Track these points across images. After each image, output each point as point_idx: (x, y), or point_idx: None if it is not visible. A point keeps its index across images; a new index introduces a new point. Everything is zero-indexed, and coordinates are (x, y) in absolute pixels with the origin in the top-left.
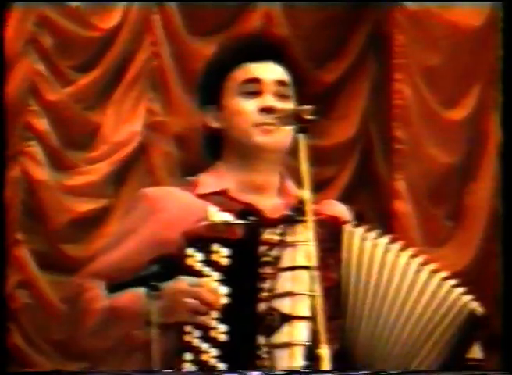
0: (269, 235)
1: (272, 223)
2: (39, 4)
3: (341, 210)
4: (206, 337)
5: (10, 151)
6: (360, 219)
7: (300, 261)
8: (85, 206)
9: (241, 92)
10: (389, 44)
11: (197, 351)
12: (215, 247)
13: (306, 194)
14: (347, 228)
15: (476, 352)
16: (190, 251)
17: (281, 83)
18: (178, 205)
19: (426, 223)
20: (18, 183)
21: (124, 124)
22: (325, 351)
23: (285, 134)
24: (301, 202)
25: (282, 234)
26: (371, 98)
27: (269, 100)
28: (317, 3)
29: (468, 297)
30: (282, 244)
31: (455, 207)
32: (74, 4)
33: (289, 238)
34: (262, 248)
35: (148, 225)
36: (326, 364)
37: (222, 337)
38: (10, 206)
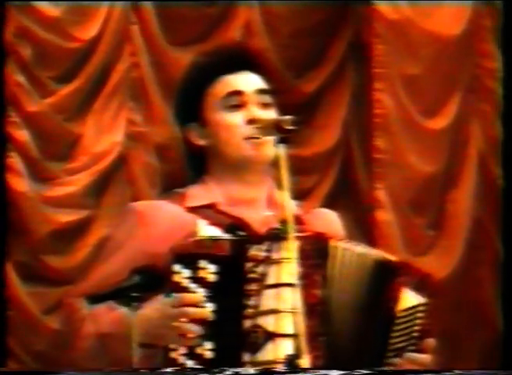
0: (256, 251)
1: (259, 239)
2: (18, 14)
3: (329, 218)
4: (191, 354)
5: None
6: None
7: (285, 278)
8: (66, 217)
9: (224, 106)
10: (369, 53)
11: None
12: (203, 263)
13: (287, 203)
14: (333, 243)
15: (409, 300)
16: (176, 267)
17: (262, 91)
18: (166, 219)
19: (408, 232)
20: None
21: (104, 135)
22: (305, 362)
23: (272, 146)
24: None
25: (267, 251)
26: (351, 107)
27: (254, 111)
28: (296, 11)
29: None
30: (267, 260)
31: (436, 216)
32: (53, 12)
33: (274, 255)
34: (249, 265)
35: (136, 239)
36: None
37: (208, 354)
38: None
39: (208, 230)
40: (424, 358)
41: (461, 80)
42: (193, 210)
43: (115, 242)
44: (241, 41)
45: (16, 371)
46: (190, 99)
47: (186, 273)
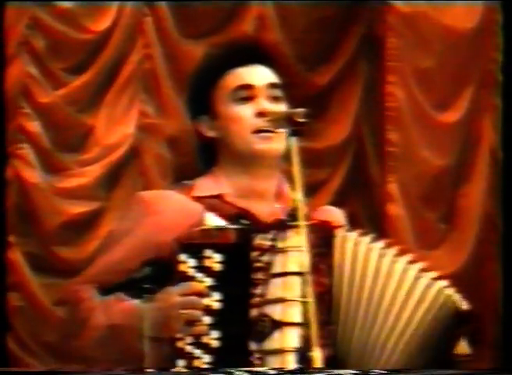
0: (261, 240)
1: (265, 228)
2: (31, 6)
3: (336, 215)
4: (198, 344)
5: (2, 153)
6: (352, 222)
7: (291, 267)
8: (77, 209)
9: (234, 99)
10: (381, 46)
11: (189, 358)
12: (208, 252)
13: (298, 196)
14: (340, 233)
15: (463, 348)
16: (182, 257)
17: (272, 85)
18: (173, 208)
19: (419, 226)
20: (10, 185)
21: (116, 126)
22: (317, 355)
23: (282, 139)
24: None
25: (273, 240)
26: (363, 100)
27: (264, 104)
28: (309, 5)
29: (455, 295)
30: (273, 249)
31: (448, 209)
32: (66, 4)
33: (280, 244)
34: (254, 254)
35: (142, 228)
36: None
37: (215, 343)
38: (2, 209)
39: (214, 220)
40: None
41: (474, 74)
42: (201, 200)
43: (122, 230)
44: (253, 34)
45: (16, 371)
46: (202, 92)
47: (192, 262)
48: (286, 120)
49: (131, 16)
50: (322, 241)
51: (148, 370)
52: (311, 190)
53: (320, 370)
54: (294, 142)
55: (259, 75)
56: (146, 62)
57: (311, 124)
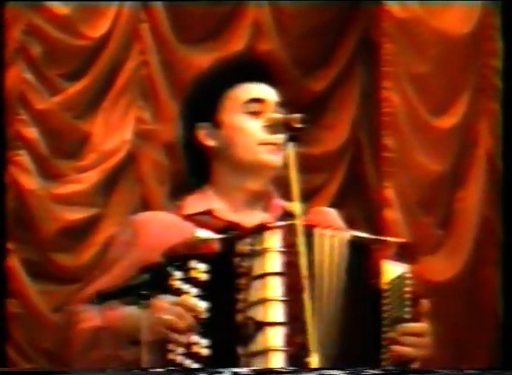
0: (242, 246)
1: (245, 234)
2: (28, 11)
3: (330, 216)
4: (189, 354)
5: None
6: (349, 227)
7: (269, 268)
8: (74, 215)
9: (244, 111)
10: (377, 51)
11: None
12: (193, 263)
13: (295, 202)
14: (318, 231)
15: (391, 271)
16: (168, 270)
17: (279, 104)
18: (162, 229)
19: (416, 231)
20: (7, 192)
21: (113, 133)
22: (314, 360)
23: (283, 152)
24: (286, 215)
25: (252, 244)
26: (360, 106)
27: None
28: (305, 10)
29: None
30: (253, 253)
31: (445, 214)
32: (63, 10)
33: (258, 247)
34: (236, 260)
35: (134, 250)
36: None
37: (205, 352)
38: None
39: (205, 234)
40: (419, 326)
41: (470, 79)
42: (190, 218)
43: (115, 253)
44: (250, 42)
45: (16, 371)
46: (207, 99)
47: (178, 274)
48: (284, 126)
49: (128, 23)
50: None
51: (150, 370)
52: (308, 195)
53: (309, 370)
54: (291, 148)
55: (269, 92)
56: (142, 69)
57: (307, 130)
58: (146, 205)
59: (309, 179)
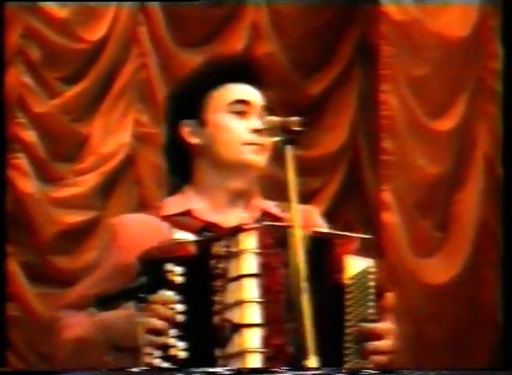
0: (218, 248)
1: (221, 236)
2: (26, 15)
3: (310, 215)
4: (166, 357)
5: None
6: (347, 230)
7: (245, 270)
8: (73, 218)
9: (230, 111)
10: (375, 54)
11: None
12: (169, 267)
13: (293, 204)
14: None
15: (354, 266)
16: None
17: (264, 107)
18: (140, 230)
19: (414, 234)
20: (5, 194)
21: (112, 136)
22: (312, 363)
23: (267, 154)
24: (265, 215)
25: (227, 246)
26: (358, 108)
27: (258, 122)
28: (303, 12)
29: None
30: (229, 255)
31: (443, 217)
32: (61, 13)
33: (233, 248)
34: (212, 262)
35: (113, 252)
36: None
37: (182, 355)
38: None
39: (182, 236)
40: (381, 327)
41: (468, 82)
42: (169, 219)
43: (97, 257)
44: (248, 44)
45: (16, 371)
46: (192, 98)
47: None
48: (281, 128)
49: (125, 25)
50: (277, 240)
51: (135, 370)
52: (306, 198)
53: (312, 370)
54: (289, 150)
55: (255, 95)
56: (141, 71)
57: (305, 132)
58: (144, 208)
59: (307, 181)
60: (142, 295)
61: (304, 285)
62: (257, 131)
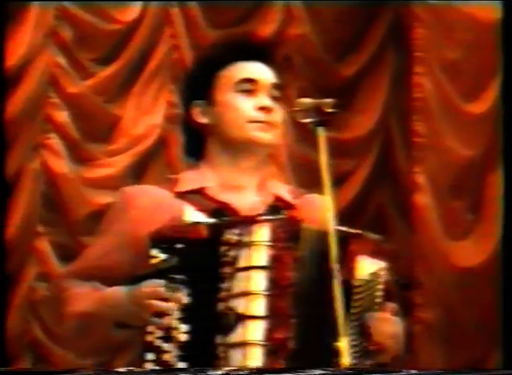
0: (229, 235)
1: (235, 223)
2: None
3: (321, 204)
4: (168, 337)
5: (30, 143)
6: (379, 212)
7: (255, 261)
8: (105, 199)
9: (237, 90)
10: (409, 37)
11: (158, 351)
12: (178, 247)
13: (326, 186)
14: (305, 226)
15: (365, 268)
16: (154, 251)
17: (275, 85)
18: (150, 203)
19: (446, 216)
20: (38, 175)
21: (144, 117)
22: (343, 345)
23: (278, 133)
24: (277, 200)
25: (240, 235)
26: (391, 91)
27: (265, 100)
28: None
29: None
30: (240, 244)
31: (475, 200)
32: None
33: (246, 238)
34: (222, 249)
35: (120, 222)
36: (345, 359)
37: (183, 337)
38: (30, 199)
39: (193, 214)
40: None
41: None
42: (182, 195)
43: (104, 224)
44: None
45: (16, 371)
46: (201, 78)
47: (163, 257)
48: (315, 110)
49: (158, 6)
50: (289, 234)
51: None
52: (339, 180)
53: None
54: (322, 132)
55: (263, 72)
56: (174, 53)
57: (338, 114)
58: None
59: (339, 164)
60: (173, 276)
61: (336, 266)
62: (263, 109)
